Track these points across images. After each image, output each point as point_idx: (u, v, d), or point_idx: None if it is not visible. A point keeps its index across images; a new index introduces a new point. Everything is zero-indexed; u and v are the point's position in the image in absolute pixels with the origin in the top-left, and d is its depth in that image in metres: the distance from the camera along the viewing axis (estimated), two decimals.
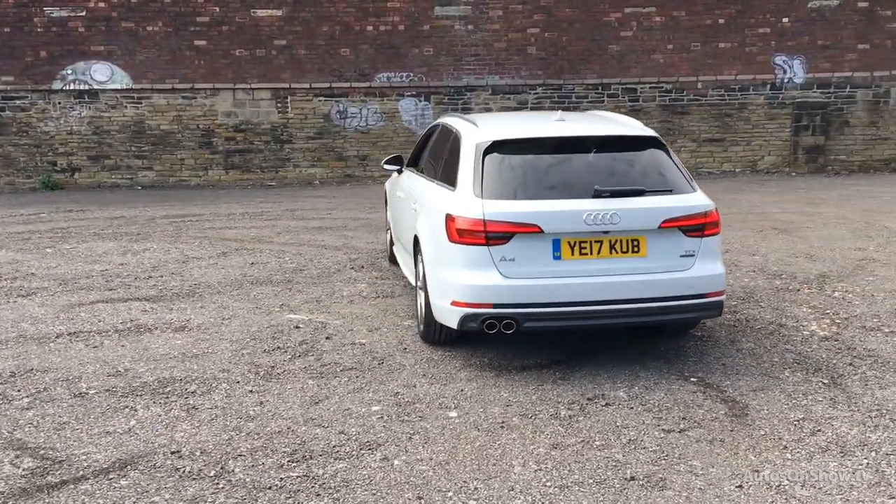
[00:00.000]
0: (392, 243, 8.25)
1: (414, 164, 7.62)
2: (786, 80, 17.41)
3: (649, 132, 5.60)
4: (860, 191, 14.15)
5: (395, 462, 3.94)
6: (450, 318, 5.17)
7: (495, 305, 4.93)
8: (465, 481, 3.74)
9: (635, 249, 4.99)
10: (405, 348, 5.70)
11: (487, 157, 5.27)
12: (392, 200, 7.78)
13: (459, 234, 5.03)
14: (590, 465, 3.88)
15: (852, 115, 17.60)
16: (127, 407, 4.71)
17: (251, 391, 4.92)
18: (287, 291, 7.44)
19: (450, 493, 3.63)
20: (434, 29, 16.95)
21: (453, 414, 4.51)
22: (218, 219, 12.03)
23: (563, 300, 4.92)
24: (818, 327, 6.04)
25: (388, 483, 3.74)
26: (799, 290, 7.10)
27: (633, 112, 16.53)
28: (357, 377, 5.13)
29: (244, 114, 17.19)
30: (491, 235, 4.94)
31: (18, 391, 4.98)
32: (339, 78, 17.08)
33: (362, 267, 8.43)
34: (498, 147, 5.32)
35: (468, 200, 5.09)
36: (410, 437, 4.21)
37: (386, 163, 7.75)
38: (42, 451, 4.13)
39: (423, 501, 3.57)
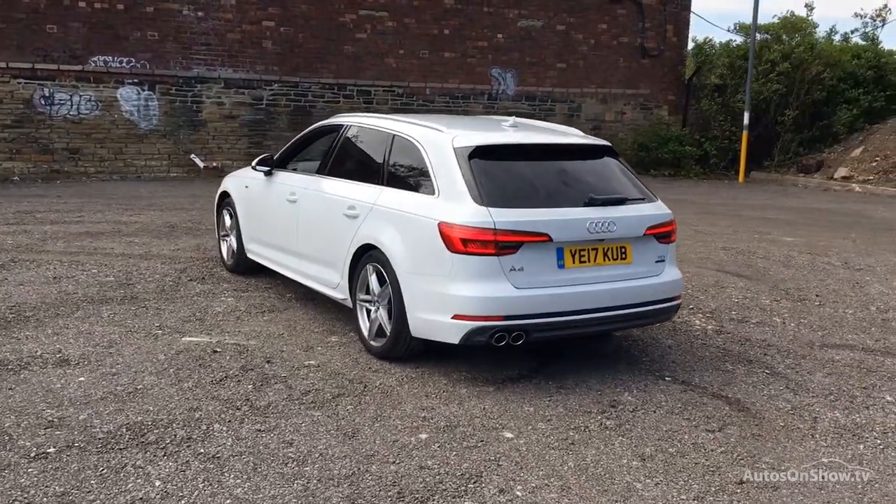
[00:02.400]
0: (240, 251, 7.50)
1: (282, 164, 7.02)
2: (500, 92, 18.80)
3: (605, 141, 5.79)
4: None
5: (517, 492, 3.67)
6: (447, 333, 4.89)
7: (507, 317, 4.77)
8: None
9: (623, 256, 5.15)
10: (370, 367, 5.26)
11: (473, 164, 5.06)
12: (262, 204, 7.06)
13: (464, 243, 4.78)
14: (694, 473, 3.96)
15: None
16: (127, 465, 3.77)
17: (260, 430, 4.21)
18: (144, 311, 6.42)
19: None
20: (159, 12, 15.60)
21: (509, 434, 4.29)
22: None
23: (568, 309, 4.92)
24: (701, 322, 6.71)
25: None
26: None
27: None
28: (359, 404, 4.63)
29: None
30: (501, 245, 4.77)
31: None
32: (45, 58, 14.99)
33: (203, 279, 7.54)
34: (481, 153, 5.14)
35: (470, 208, 4.85)
36: (499, 464, 3.94)
37: (258, 164, 7.01)
38: None
39: None
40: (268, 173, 6.98)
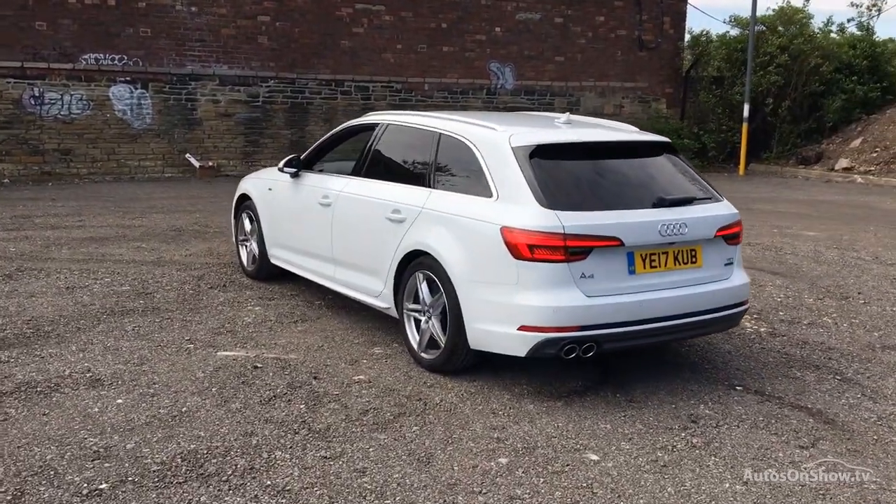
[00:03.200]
0: (263, 257, 7.15)
1: (308, 166, 6.67)
2: (499, 86, 18.47)
3: (664, 138, 5.50)
4: None
5: None
6: (512, 345, 4.57)
7: (582, 328, 4.46)
8: None
9: (693, 260, 4.86)
10: (425, 382, 4.93)
11: (534, 164, 4.74)
12: (290, 208, 6.70)
13: (530, 249, 4.46)
14: (804, 498, 3.67)
15: None
16: (191, 502, 3.42)
17: (326, 457, 3.88)
18: (170, 323, 6.06)
19: None
20: (151, 7, 15.12)
21: (594, 457, 3.98)
22: None
23: (640, 317, 4.61)
24: (752, 325, 6.43)
25: None
26: None
27: (367, 110, 16.30)
28: (424, 424, 4.31)
29: None
30: (571, 250, 4.45)
31: None
32: (35, 56, 14.49)
33: (224, 286, 7.18)
34: (541, 153, 4.82)
35: (535, 212, 4.53)
36: (593, 492, 3.63)
37: (286, 165, 6.63)
38: None
39: None
40: (295, 175, 6.62)
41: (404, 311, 5.30)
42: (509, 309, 4.55)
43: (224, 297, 6.80)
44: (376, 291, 5.57)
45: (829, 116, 20.05)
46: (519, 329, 4.51)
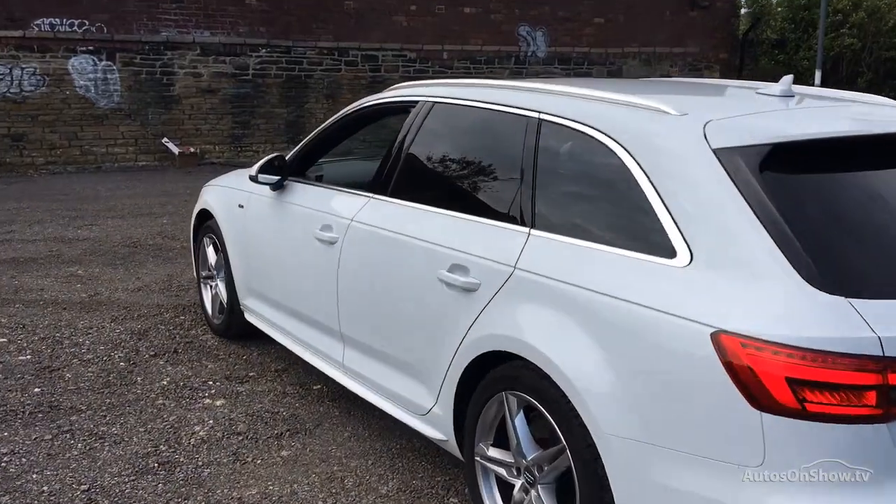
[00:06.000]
0: (233, 307, 4.64)
1: (299, 171, 4.13)
2: (529, 54, 15.91)
3: None
4: None
5: None
6: None
7: None
8: None
9: None
10: None
11: (771, 185, 2.20)
12: (269, 238, 4.18)
13: (796, 388, 1.94)
14: None
15: None
16: None
17: None
18: (67, 441, 3.60)
19: None
20: None
21: None
22: None
23: None
24: None
25: None
26: None
27: (376, 84, 13.78)
28: None
29: None
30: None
31: None
32: None
33: (175, 352, 4.70)
34: (782, 160, 2.27)
35: (802, 300, 2.00)
36: None
37: (262, 170, 4.06)
38: None
39: None
40: (277, 186, 4.08)
41: (477, 457, 2.78)
42: None
43: (170, 378, 4.31)
44: (421, 407, 3.06)
45: None
46: None
